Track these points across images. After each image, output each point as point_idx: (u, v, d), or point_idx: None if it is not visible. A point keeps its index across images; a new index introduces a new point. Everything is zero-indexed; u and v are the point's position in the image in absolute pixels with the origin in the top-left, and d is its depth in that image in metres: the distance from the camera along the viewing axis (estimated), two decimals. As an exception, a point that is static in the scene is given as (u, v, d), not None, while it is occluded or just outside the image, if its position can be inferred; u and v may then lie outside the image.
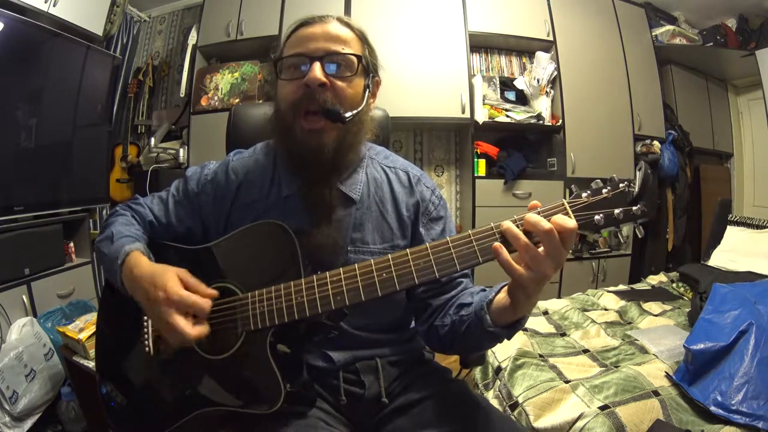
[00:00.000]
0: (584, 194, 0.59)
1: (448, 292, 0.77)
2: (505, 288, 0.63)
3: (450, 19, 2.57)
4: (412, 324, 0.89)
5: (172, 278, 0.65)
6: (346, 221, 0.77)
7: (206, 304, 0.64)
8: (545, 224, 0.54)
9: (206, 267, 0.74)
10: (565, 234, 0.54)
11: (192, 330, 0.62)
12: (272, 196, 0.80)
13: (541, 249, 0.55)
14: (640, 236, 0.61)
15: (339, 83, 0.72)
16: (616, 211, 0.58)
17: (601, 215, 0.58)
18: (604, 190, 0.58)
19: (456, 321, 0.72)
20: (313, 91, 0.70)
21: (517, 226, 0.56)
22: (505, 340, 0.68)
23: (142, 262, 0.70)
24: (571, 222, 0.54)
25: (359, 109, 0.74)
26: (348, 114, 0.71)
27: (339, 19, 0.76)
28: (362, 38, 0.78)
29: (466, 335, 0.69)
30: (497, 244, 0.55)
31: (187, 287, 0.65)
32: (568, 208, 0.57)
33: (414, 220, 0.82)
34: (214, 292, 0.66)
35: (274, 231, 0.70)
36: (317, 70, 0.70)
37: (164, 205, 0.85)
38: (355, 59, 0.74)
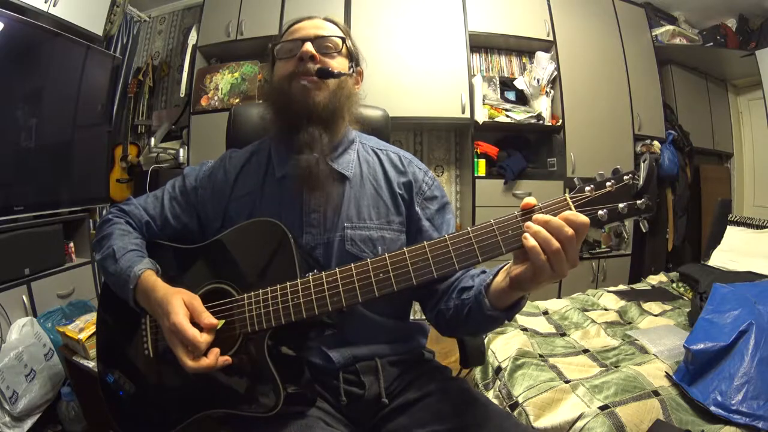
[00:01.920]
0: (587, 188, 0.57)
1: (451, 275, 0.77)
2: (504, 270, 0.63)
3: (450, 19, 2.57)
4: (411, 317, 0.89)
5: (176, 307, 0.63)
6: (340, 198, 0.80)
7: (202, 342, 0.61)
8: (568, 230, 0.53)
9: (201, 267, 0.74)
10: (578, 231, 0.53)
11: (190, 363, 0.61)
12: (267, 182, 0.82)
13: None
14: (644, 230, 0.58)
15: (326, 59, 0.80)
16: (620, 205, 0.56)
17: (604, 210, 0.56)
18: (608, 184, 0.56)
19: (458, 305, 0.72)
20: (305, 62, 0.78)
21: (518, 226, 0.56)
22: (505, 340, 0.68)
23: (154, 285, 0.69)
24: (583, 218, 0.53)
25: (347, 72, 0.82)
26: (338, 71, 0.79)
27: (325, 18, 0.86)
28: (345, 32, 0.86)
29: (468, 318, 0.70)
30: (535, 244, 0.53)
31: (192, 314, 0.64)
32: (570, 204, 0.56)
33: (408, 199, 0.84)
34: (216, 323, 0.64)
35: (269, 230, 0.70)
36: (308, 45, 0.78)
37: (159, 203, 0.85)
38: (339, 40, 0.83)
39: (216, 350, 0.63)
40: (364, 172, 0.84)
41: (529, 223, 0.55)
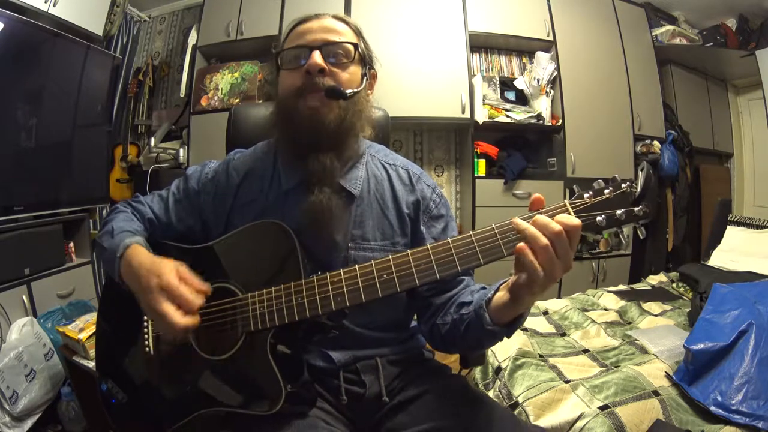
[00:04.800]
0: (586, 195, 0.58)
1: (449, 291, 0.78)
2: (504, 286, 0.63)
3: (450, 19, 2.57)
4: (413, 323, 0.89)
5: (168, 267, 0.65)
6: (346, 217, 0.77)
7: (195, 299, 0.63)
8: (555, 226, 0.53)
9: (206, 267, 0.74)
10: (570, 233, 0.53)
11: (180, 319, 0.61)
12: (272, 193, 0.80)
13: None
14: (641, 237, 0.61)
15: (337, 70, 0.75)
16: (618, 212, 0.57)
17: (602, 216, 0.57)
18: (606, 191, 0.58)
19: (456, 320, 0.72)
20: (314, 77, 0.73)
21: None
22: (505, 340, 0.68)
23: (141, 253, 0.70)
24: (574, 219, 0.54)
25: (359, 89, 0.76)
26: (348, 91, 0.73)
27: (335, 16, 0.79)
28: (357, 32, 0.81)
29: (466, 334, 0.69)
30: (523, 245, 0.54)
31: (183, 278, 0.65)
32: (570, 209, 0.57)
33: (414, 218, 0.82)
34: (207, 289, 0.66)
35: (273, 231, 0.70)
36: (317, 57, 0.72)
37: (164, 204, 0.85)
38: (351, 47, 0.76)
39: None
40: (372, 189, 0.81)
41: (519, 223, 0.55)
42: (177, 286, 0.63)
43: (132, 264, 0.69)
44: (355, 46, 0.77)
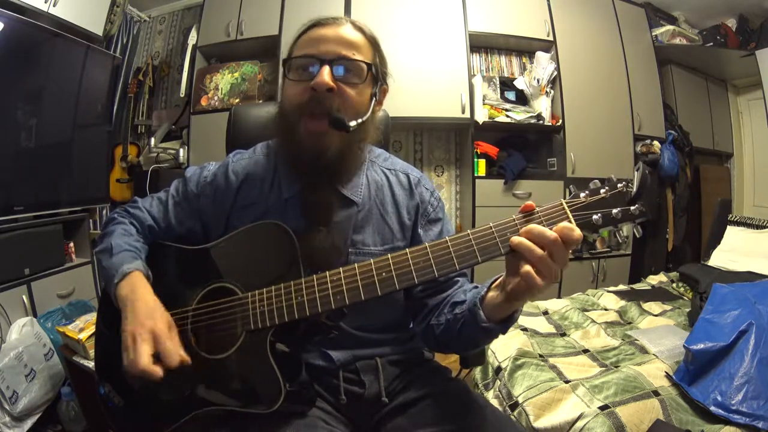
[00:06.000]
0: (582, 194, 0.59)
1: (445, 291, 0.78)
2: (497, 283, 0.63)
3: (450, 19, 2.57)
4: (411, 324, 0.89)
5: (167, 318, 0.67)
6: (347, 223, 0.77)
7: (185, 359, 0.64)
8: (550, 234, 0.54)
9: (206, 267, 0.74)
10: (569, 243, 0.54)
11: (148, 364, 0.61)
12: (272, 198, 0.79)
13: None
14: (638, 236, 0.62)
15: (346, 89, 0.72)
16: (614, 210, 0.58)
17: (599, 215, 0.58)
18: (602, 190, 0.59)
19: (451, 319, 0.72)
20: (320, 95, 0.70)
21: (516, 229, 0.56)
22: (505, 340, 0.68)
23: (140, 288, 0.69)
24: (576, 233, 0.54)
25: (364, 117, 0.73)
26: (353, 123, 0.71)
27: (353, 23, 0.76)
28: (374, 44, 0.78)
29: (461, 333, 0.69)
30: (527, 266, 0.54)
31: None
32: (566, 208, 0.58)
33: (413, 222, 0.82)
34: (187, 360, 0.66)
35: (274, 231, 0.71)
36: (326, 74, 0.69)
37: (164, 207, 0.84)
38: (364, 67, 0.73)
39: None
40: (372, 195, 0.81)
41: (513, 239, 0.56)
42: (176, 344, 0.64)
43: (130, 295, 0.68)
44: (369, 66, 0.73)
